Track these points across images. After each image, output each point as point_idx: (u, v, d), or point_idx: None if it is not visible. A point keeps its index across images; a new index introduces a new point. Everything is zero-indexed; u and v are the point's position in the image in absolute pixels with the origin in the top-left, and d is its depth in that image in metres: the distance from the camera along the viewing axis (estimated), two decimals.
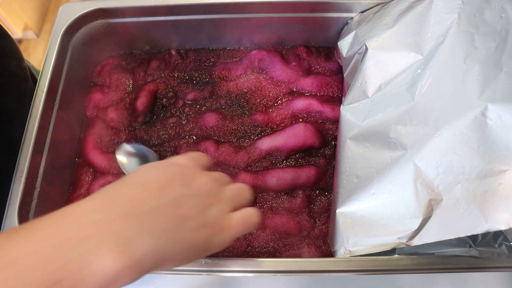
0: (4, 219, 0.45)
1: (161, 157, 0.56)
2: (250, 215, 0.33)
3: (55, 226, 0.25)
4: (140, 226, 0.26)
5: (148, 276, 0.54)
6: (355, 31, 0.54)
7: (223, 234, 0.31)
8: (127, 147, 0.54)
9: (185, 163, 0.33)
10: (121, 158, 0.53)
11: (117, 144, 0.58)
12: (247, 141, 0.56)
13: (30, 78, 0.62)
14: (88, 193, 0.55)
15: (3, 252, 0.23)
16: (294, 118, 0.57)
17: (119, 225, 0.26)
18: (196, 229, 0.29)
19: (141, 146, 0.55)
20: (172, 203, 0.29)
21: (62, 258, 0.23)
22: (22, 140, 0.49)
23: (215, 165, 0.54)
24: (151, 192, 0.29)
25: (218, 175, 0.34)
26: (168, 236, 0.28)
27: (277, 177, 0.52)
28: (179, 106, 0.60)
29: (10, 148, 0.50)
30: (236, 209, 0.33)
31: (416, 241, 0.38)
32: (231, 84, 0.61)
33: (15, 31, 1.54)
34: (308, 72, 0.61)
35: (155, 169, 0.32)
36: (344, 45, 0.55)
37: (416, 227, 0.38)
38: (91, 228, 0.25)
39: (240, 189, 0.34)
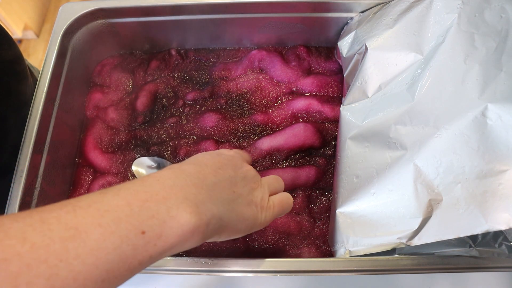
0: None
1: (161, 157, 0.56)
2: (287, 197, 0.39)
3: (140, 186, 0.28)
4: (207, 194, 0.31)
5: (148, 276, 0.54)
6: (355, 31, 0.54)
7: (267, 212, 0.36)
8: (147, 160, 0.55)
9: (231, 154, 0.38)
10: (142, 171, 0.54)
11: (117, 144, 0.58)
12: (247, 141, 0.56)
13: (30, 77, 0.62)
14: (88, 193, 0.55)
15: (99, 204, 0.26)
16: (294, 118, 0.57)
17: (193, 190, 0.30)
18: (247, 205, 0.34)
19: (159, 158, 0.56)
20: (228, 181, 0.34)
21: (147, 212, 0.27)
22: (22, 140, 0.49)
23: None
24: (211, 170, 0.33)
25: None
26: (228, 206, 0.32)
27: None
28: (179, 106, 0.60)
29: (7, 147, 0.51)
30: (273, 194, 0.38)
31: (416, 241, 0.38)
32: (231, 84, 0.61)
33: (15, 31, 1.54)
34: (308, 72, 0.61)
35: (209, 155, 0.36)
36: (344, 45, 0.55)
37: (416, 227, 0.38)
38: (171, 190, 0.29)
39: (276, 178, 0.40)
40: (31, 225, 0.23)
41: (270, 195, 0.38)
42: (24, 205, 0.47)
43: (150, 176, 0.30)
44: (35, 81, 0.63)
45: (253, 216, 0.34)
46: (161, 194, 0.28)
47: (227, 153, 0.38)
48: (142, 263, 0.26)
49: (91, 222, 0.25)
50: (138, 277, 0.56)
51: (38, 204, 0.49)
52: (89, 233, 0.24)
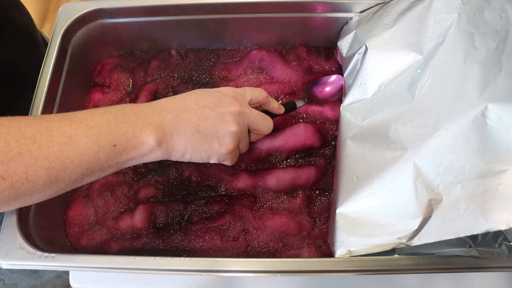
0: (4, 219, 0.45)
1: None
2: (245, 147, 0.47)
3: (120, 111, 0.38)
4: (172, 123, 0.39)
5: (148, 276, 0.54)
6: (354, 31, 0.54)
7: (222, 151, 0.42)
8: None
9: (226, 93, 0.44)
10: None
11: None
12: None
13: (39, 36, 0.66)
14: (88, 193, 0.55)
15: (88, 121, 0.36)
16: (294, 118, 0.57)
17: (156, 119, 0.39)
18: (208, 139, 0.41)
19: None
20: (197, 116, 0.41)
21: (120, 130, 0.36)
22: None
23: (215, 165, 0.54)
24: (187, 104, 0.41)
25: (253, 112, 0.45)
26: (188, 136, 0.40)
27: (277, 177, 0.52)
28: None
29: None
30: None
31: (416, 241, 0.38)
32: (231, 84, 0.61)
33: None
34: (308, 72, 0.61)
35: (200, 92, 0.43)
36: (344, 45, 0.55)
37: (416, 227, 0.38)
38: (140, 117, 0.38)
39: (261, 122, 0.46)
40: (39, 131, 0.33)
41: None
42: None
43: (129, 105, 0.40)
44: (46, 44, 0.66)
45: (209, 149, 0.41)
46: (132, 119, 0.38)
47: (223, 91, 0.44)
48: (111, 166, 0.37)
49: (80, 134, 0.35)
50: (138, 277, 0.56)
51: (38, 204, 0.49)
52: (78, 142, 0.34)
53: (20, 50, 0.59)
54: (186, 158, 0.41)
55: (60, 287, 0.80)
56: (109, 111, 0.37)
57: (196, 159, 0.42)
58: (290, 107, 0.53)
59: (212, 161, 0.43)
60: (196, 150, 0.41)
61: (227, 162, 0.45)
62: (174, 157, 0.41)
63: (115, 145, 0.36)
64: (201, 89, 0.44)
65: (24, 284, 0.72)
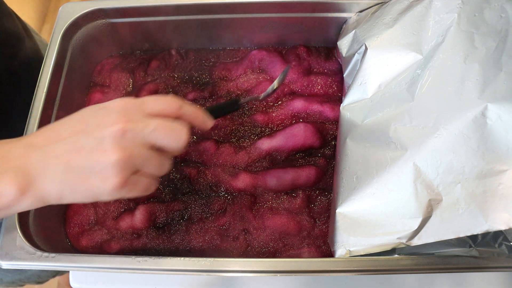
0: (4, 219, 0.45)
1: None
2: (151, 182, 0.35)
3: None
4: (39, 164, 0.31)
5: (148, 276, 0.54)
6: (354, 30, 0.54)
7: (107, 188, 0.32)
8: None
9: (114, 107, 0.34)
10: None
11: None
12: (247, 141, 0.56)
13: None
14: None
15: None
16: (294, 118, 0.57)
17: (22, 161, 0.31)
18: (83, 177, 0.32)
19: None
20: (69, 147, 0.32)
21: None
22: None
23: (215, 165, 0.54)
24: (60, 134, 0.33)
25: (151, 124, 0.33)
26: (60, 176, 0.32)
27: (277, 177, 0.52)
28: None
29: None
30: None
31: (416, 241, 0.38)
32: (231, 84, 0.61)
33: None
34: (308, 72, 0.61)
35: (82, 112, 0.34)
36: (344, 45, 0.55)
37: (416, 227, 0.38)
38: (2, 158, 0.31)
39: (165, 137, 0.34)
40: None
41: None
42: None
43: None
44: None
45: (91, 189, 0.32)
46: None
47: (114, 107, 0.34)
48: None
49: None
50: (138, 277, 0.56)
51: None
52: None
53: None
54: (69, 201, 0.33)
55: (45, 278, 0.81)
56: None
57: (83, 201, 0.33)
58: (228, 109, 0.45)
59: (105, 199, 0.34)
60: (76, 192, 0.32)
61: (130, 195, 0.34)
62: (54, 202, 0.33)
63: None
64: (88, 107, 0.35)
65: (8, 279, 0.72)
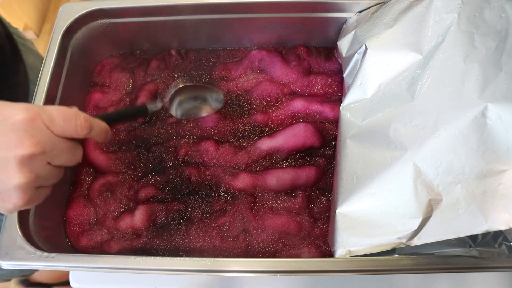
0: (4, 219, 0.45)
1: (161, 157, 0.56)
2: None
3: None
4: None
5: (148, 276, 0.54)
6: (354, 30, 0.54)
7: (9, 207, 0.34)
8: None
9: (17, 124, 0.32)
10: None
11: (118, 144, 0.58)
12: (247, 141, 0.56)
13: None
14: (88, 193, 0.55)
15: None
16: (294, 118, 0.57)
17: None
18: None
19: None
20: None
21: None
22: None
23: (215, 165, 0.54)
24: None
25: (59, 147, 0.35)
26: None
27: (277, 177, 0.52)
28: None
29: None
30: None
31: (416, 241, 0.38)
32: (231, 84, 0.61)
33: None
34: (308, 72, 0.61)
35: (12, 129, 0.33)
36: (344, 45, 0.55)
37: (416, 227, 0.38)
38: None
39: (67, 158, 0.36)
40: None
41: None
42: None
43: None
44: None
45: None
46: None
47: (18, 122, 0.32)
48: None
49: None
50: (138, 277, 0.56)
51: (38, 204, 0.49)
52: None
53: None
54: None
55: (28, 272, 0.81)
56: None
57: None
58: (136, 115, 0.46)
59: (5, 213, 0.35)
60: None
61: (30, 206, 0.37)
62: None
63: None
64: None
65: None
